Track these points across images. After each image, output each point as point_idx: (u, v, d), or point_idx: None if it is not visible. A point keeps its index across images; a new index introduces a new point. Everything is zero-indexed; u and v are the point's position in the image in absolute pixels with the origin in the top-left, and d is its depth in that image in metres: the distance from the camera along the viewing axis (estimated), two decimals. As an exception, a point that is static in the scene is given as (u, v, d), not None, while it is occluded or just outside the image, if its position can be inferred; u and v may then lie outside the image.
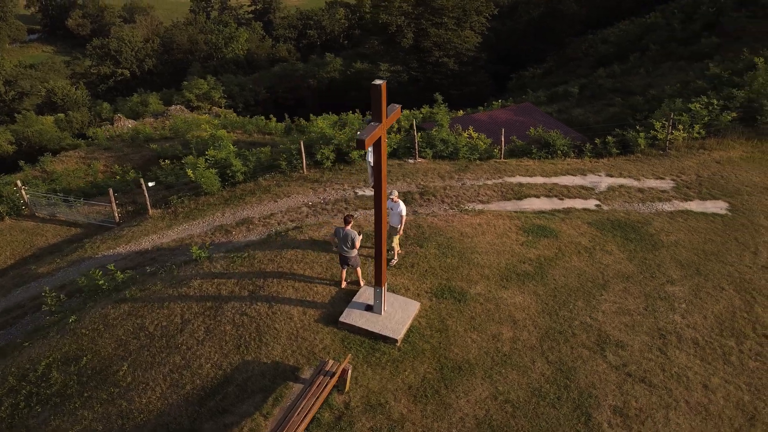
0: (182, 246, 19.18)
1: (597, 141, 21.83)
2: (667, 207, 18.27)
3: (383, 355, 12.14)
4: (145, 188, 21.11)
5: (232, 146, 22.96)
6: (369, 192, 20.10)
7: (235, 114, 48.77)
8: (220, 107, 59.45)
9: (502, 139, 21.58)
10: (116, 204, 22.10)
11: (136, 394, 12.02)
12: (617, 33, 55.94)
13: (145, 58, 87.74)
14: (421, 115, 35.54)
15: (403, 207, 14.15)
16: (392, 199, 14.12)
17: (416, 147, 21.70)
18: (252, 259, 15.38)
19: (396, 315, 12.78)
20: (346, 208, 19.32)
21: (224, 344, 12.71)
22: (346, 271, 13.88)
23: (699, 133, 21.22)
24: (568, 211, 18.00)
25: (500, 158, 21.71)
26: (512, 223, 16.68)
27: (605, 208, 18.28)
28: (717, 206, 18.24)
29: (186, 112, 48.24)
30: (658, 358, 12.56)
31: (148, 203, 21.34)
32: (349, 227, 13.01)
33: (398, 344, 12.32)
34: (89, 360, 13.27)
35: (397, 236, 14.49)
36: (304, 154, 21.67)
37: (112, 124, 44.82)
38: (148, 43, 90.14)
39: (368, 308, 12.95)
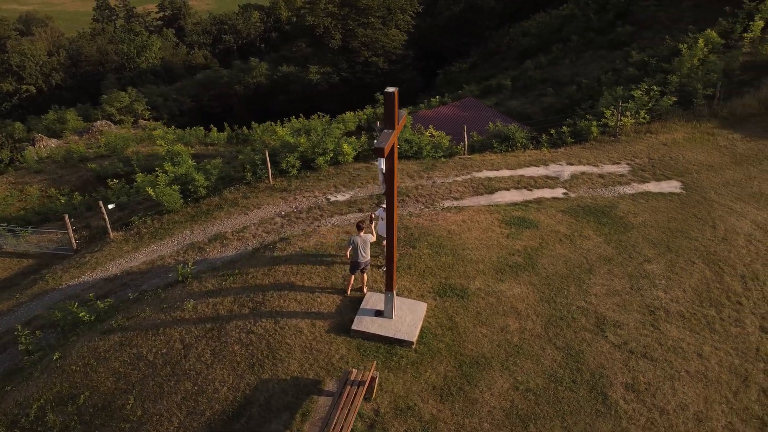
0: (155, 268, 18.46)
1: (552, 131, 22.79)
2: (627, 190, 19.38)
3: (401, 359, 12.28)
4: (104, 211, 20.12)
5: (190, 160, 22.25)
6: (341, 197, 20.10)
7: (169, 127, 47.06)
8: (145, 119, 57.18)
9: (465, 136, 22.12)
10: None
11: (151, 427, 11.58)
12: (536, 26, 58.16)
13: (51, 72, 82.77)
14: (366, 116, 35.75)
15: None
16: (383, 207, 14.11)
17: (381, 149, 21.86)
18: (245, 275, 15.07)
19: (406, 317, 12.94)
20: (320, 216, 19.21)
21: (236, 365, 12.44)
22: (354, 278, 13.87)
23: (644, 118, 22.63)
24: (539, 201, 18.73)
25: (464, 154, 22.25)
26: (493, 217, 17.19)
27: (572, 195, 19.16)
28: (671, 186, 19.53)
29: (113, 127, 46.04)
30: (653, 333, 13.38)
31: (109, 226, 20.37)
32: (363, 233, 13.04)
33: (414, 346, 12.49)
34: (88, 397, 12.64)
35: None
36: (269, 164, 21.34)
37: (34, 144, 42.11)
38: (54, 57, 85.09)
39: (378, 314, 13.03)
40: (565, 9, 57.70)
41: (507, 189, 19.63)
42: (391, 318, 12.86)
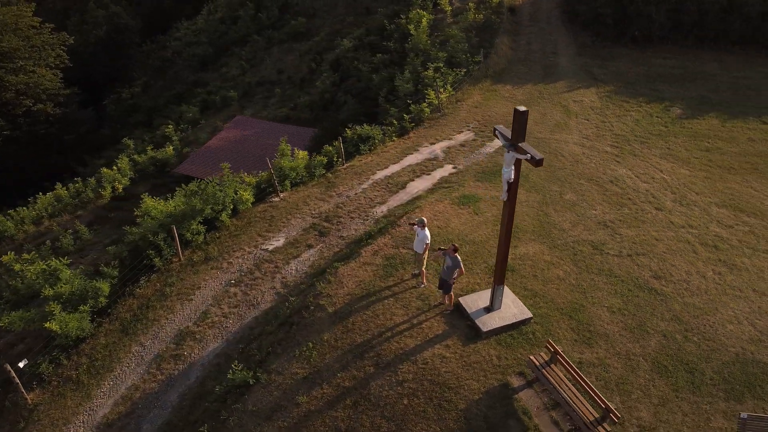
0: (139, 401, 15.36)
1: (394, 122, 25.39)
2: (488, 150, 23.59)
3: (536, 333, 14.20)
4: (14, 375, 15.37)
5: (69, 271, 17.91)
6: (278, 243, 19.36)
7: None
8: None
9: (342, 148, 23.07)
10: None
11: None
12: (193, 34, 57.89)
13: None
14: (129, 168, 32.02)
15: (427, 234, 15.11)
16: (422, 226, 14.94)
17: (275, 183, 21.32)
18: (325, 344, 14.38)
19: (507, 302, 14.71)
20: (276, 269, 18.39)
21: (423, 413, 12.58)
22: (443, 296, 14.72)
23: (451, 91, 26.97)
24: (448, 180, 21.50)
25: (343, 165, 23.23)
26: (447, 205, 19.38)
27: (461, 167, 22.44)
28: (510, 136, 24.42)
29: None
30: (624, 238, 18.00)
31: (23, 390, 15.67)
32: (455, 253, 13.93)
33: (532, 320, 14.47)
34: None
35: (425, 260, 15.52)
36: (178, 240, 18.89)
37: None
38: None
39: (487, 310, 14.47)
40: (217, 13, 58.85)
41: (411, 180, 21.78)
42: (500, 308, 14.48)
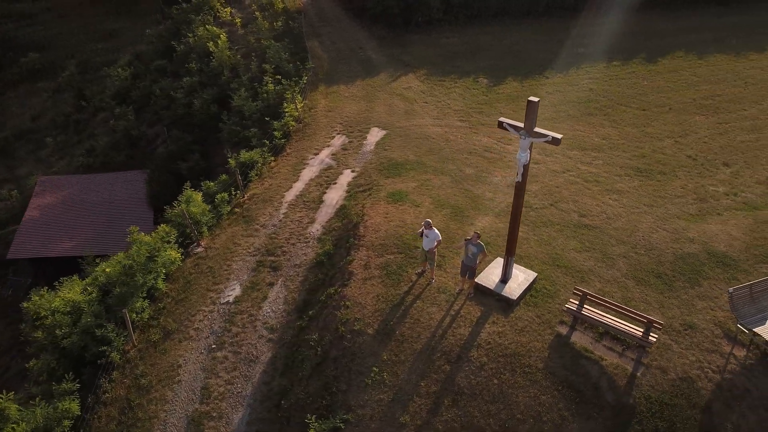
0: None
1: (267, 141, 24.56)
2: (369, 147, 24.69)
3: (546, 287, 16.35)
4: None
5: (15, 406, 14.13)
6: (234, 292, 18.09)
7: None
8: None
9: (239, 178, 21.70)
10: None
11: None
12: None
13: None
14: None
15: (437, 233, 15.96)
16: (429, 227, 15.68)
17: (194, 233, 19.41)
18: (385, 363, 14.47)
19: (513, 270, 16.51)
20: (252, 319, 17.26)
21: (517, 384, 13.91)
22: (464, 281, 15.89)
23: (300, 101, 26.92)
24: (357, 184, 22.04)
25: (244, 197, 21.96)
26: (385, 205, 20.12)
27: (358, 170, 23.15)
28: (380, 131, 25.80)
29: None
30: (536, 194, 21.12)
31: None
32: (478, 240, 15.13)
33: (538, 276, 16.58)
34: None
35: (435, 258, 16.41)
36: (130, 324, 16.30)
37: None
38: None
39: (504, 282, 16.13)
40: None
41: (324, 192, 21.89)
42: (512, 276, 16.26)
